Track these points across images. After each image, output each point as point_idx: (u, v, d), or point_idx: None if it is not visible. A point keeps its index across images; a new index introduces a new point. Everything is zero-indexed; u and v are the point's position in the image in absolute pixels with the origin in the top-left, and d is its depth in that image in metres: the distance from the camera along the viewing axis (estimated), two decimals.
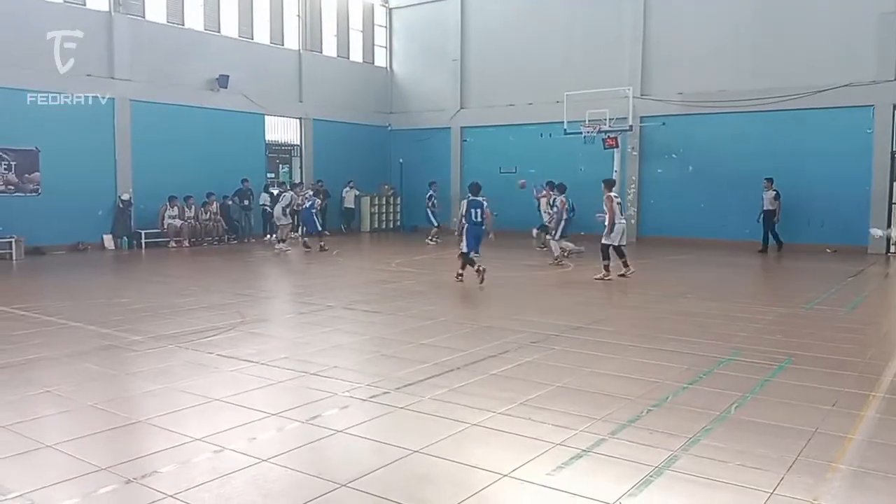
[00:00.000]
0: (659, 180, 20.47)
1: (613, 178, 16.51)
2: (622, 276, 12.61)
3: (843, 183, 17.54)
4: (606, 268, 12.52)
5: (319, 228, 18.00)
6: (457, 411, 5.12)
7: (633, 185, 20.91)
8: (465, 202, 12.23)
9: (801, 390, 5.73)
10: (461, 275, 12.01)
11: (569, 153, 20.78)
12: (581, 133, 19.77)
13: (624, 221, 13.04)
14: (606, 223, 12.49)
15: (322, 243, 17.73)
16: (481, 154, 23.85)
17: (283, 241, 17.95)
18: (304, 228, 18.71)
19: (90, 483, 3.89)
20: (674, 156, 20.23)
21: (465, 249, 11.80)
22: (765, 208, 17.77)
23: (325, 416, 5.10)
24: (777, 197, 17.63)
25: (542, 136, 21.32)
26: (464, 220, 11.90)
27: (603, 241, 12.63)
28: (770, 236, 17.76)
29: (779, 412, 5.14)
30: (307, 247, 17.89)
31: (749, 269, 15.07)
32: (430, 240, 19.49)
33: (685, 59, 19.83)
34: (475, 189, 12.22)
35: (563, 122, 19.96)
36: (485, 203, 12.16)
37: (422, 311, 9.37)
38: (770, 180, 17.79)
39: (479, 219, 11.89)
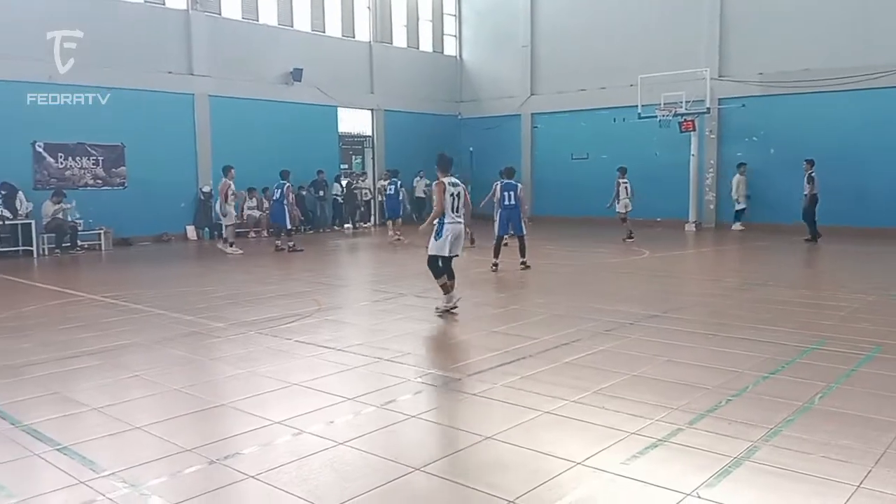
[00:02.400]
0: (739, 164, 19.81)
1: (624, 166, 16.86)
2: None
3: None
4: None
5: (288, 225, 15.48)
6: (529, 399, 5.12)
7: (711, 170, 20.33)
8: (497, 185, 12.20)
9: (891, 381, 5.48)
10: (496, 264, 11.85)
11: (643, 138, 20.37)
12: (656, 117, 19.32)
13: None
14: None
15: (278, 242, 15.81)
16: (552, 140, 23.62)
17: (232, 242, 15.58)
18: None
19: (176, 463, 4.07)
20: (754, 138, 19.55)
21: (497, 232, 11.91)
22: (805, 193, 16.55)
23: (400, 401, 5.18)
24: (810, 181, 16.35)
25: (615, 120, 20.92)
26: (495, 202, 12.11)
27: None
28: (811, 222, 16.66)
29: (866, 403, 4.93)
30: (294, 249, 15.39)
31: (833, 254, 14.46)
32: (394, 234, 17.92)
33: (765, 39, 19.09)
34: (509, 172, 12.20)
35: (637, 106, 19.55)
36: (519, 186, 12.09)
37: (492, 298, 9.38)
38: (811, 162, 16.47)
39: (513, 202, 11.85)
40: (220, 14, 19.44)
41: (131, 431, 4.61)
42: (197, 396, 5.37)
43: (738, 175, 18.94)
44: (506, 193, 11.91)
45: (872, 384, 5.40)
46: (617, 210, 16.49)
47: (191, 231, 18.72)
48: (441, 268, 8.21)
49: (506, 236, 12.37)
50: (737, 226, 18.83)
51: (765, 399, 5.07)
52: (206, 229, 18.82)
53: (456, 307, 8.20)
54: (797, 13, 18.56)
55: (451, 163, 8.52)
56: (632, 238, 16.13)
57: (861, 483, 3.67)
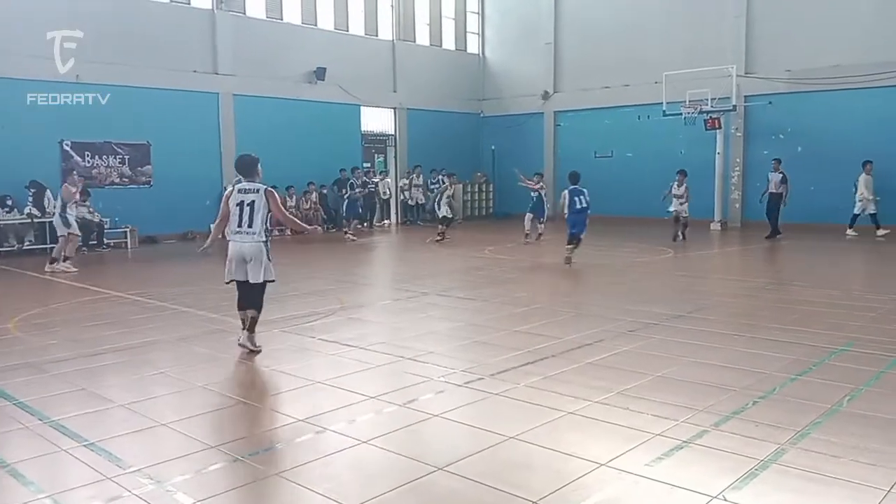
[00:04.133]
0: (765, 162, 19.51)
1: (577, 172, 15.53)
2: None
3: None
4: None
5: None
6: (552, 399, 5.09)
7: (737, 168, 20.09)
8: (566, 192, 12.59)
9: None
10: (569, 258, 12.27)
11: (668, 136, 20.18)
12: (681, 114, 19.13)
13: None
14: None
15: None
16: (575, 138, 23.48)
17: (65, 259, 12.71)
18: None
19: (201, 460, 4.10)
20: (781, 136, 19.27)
21: (570, 231, 12.35)
22: (770, 191, 16.92)
23: (422, 400, 5.17)
24: (784, 180, 16.75)
25: (639, 118, 20.74)
26: (565, 210, 12.41)
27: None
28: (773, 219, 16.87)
29: (895, 406, 4.84)
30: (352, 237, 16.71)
31: (863, 253, 14.23)
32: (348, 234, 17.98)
33: (792, 35, 18.81)
34: (575, 178, 12.57)
35: (661, 104, 19.34)
36: (586, 192, 12.49)
37: (515, 297, 9.34)
38: (778, 161, 16.99)
39: (583, 205, 12.30)
40: (244, 13, 19.56)
41: (157, 428, 4.66)
42: (221, 394, 5.42)
43: (863, 174, 16.49)
44: (575, 198, 12.43)
45: None
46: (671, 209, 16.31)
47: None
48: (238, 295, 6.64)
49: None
50: (881, 232, 16.29)
51: (792, 401, 5.00)
52: None
53: (256, 349, 6.50)
54: (825, 8, 18.27)
55: (250, 165, 6.71)
56: (683, 239, 16.03)
57: (893, 487, 3.61)
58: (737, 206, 20.18)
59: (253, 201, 6.39)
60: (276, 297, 9.50)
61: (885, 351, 6.31)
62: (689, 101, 18.96)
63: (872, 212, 16.48)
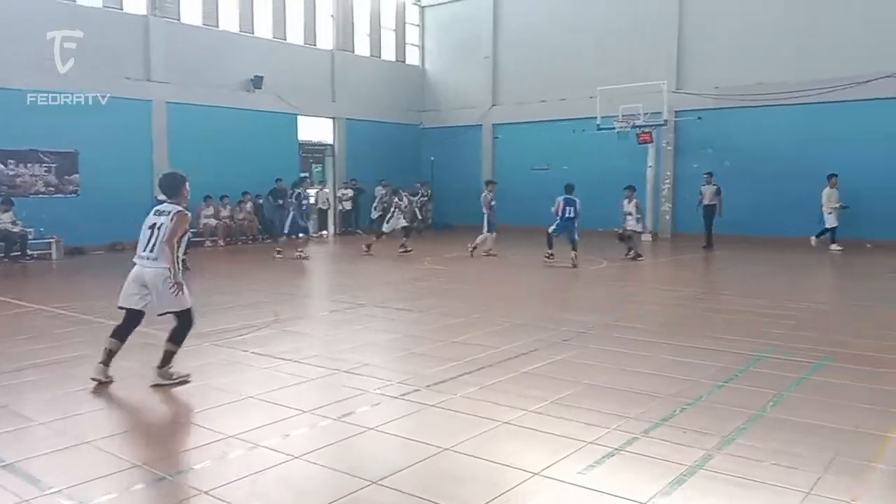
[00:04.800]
0: (694, 175, 20.13)
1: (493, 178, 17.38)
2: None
3: (884, 176, 17.10)
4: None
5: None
6: (487, 409, 5.12)
7: (667, 181, 20.66)
8: (560, 200, 13.89)
9: (840, 388, 5.61)
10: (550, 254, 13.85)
11: (602, 149, 20.60)
12: (614, 128, 19.58)
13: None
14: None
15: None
16: (513, 151, 23.76)
17: None
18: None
19: (126, 479, 3.97)
20: (710, 150, 19.91)
21: (551, 231, 13.96)
22: (705, 203, 17.61)
23: (357, 413, 5.13)
24: (718, 192, 17.45)
25: (574, 132, 21.15)
26: (557, 216, 13.79)
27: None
28: (710, 230, 17.52)
29: (816, 411, 5.03)
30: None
31: (785, 264, 14.78)
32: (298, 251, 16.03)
33: (721, 53, 19.52)
34: (569, 189, 14.00)
35: (596, 118, 19.79)
36: (577, 202, 13.84)
37: (453, 308, 9.37)
38: (710, 174, 17.73)
39: (572, 215, 13.77)
40: (179, 20, 19.17)
41: (80, 446, 4.49)
42: (149, 410, 5.26)
43: (827, 188, 16.62)
44: (567, 208, 13.74)
45: (822, 392, 5.52)
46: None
47: None
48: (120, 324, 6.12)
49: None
50: (835, 247, 16.42)
51: (718, 407, 5.15)
52: None
53: (105, 380, 5.81)
54: (751, 29, 19.03)
55: (174, 185, 6.05)
56: (640, 257, 15.45)
57: (812, 489, 3.75)
58: (667, 217, 20.75)
59: (162, 224, 5.78)
60: (207, 310, 9.30)
61: (805, 357, 6.57)
62: (623, 116, 19.46)
63: (834, 225, 16.58)
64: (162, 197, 6.17)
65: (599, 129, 19.81)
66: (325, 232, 22.68)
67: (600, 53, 21.48)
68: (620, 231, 15.76)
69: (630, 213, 15.56)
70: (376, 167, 23.57)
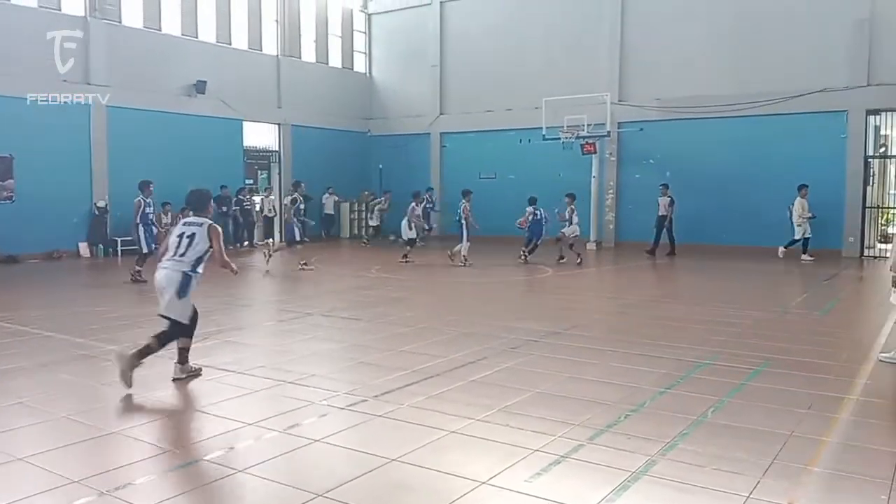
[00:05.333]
0: (636, 185, 20.59)
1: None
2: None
3: (818, 187, 17.75)
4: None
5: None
6: (435, 418, 5.11)
7: (611, 191, 21.04)
8: (530, 208, 16.25)
9: (778, 394, 5.78)
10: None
11: (548, 159, 20.86)
12: (559, 139, 19.86)
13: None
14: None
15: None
16: (461, 160, 23.87)
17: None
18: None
19: (63, 496, 3.83)
20: (651, 161, 20.37)
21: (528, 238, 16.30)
22: (659, 213, 18.31)
23: (303, 425, 5.06)
24: (671, 203, 18.18)
25: (520, 141, 21.38)
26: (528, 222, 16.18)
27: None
28: (664, 237, 18.28)
29: (755, 416, 5.18)
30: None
31: (724, 273, 15.19)
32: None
33: (662, 66, 20.00)
34: (533, 200, 16.39)
35: (541, 128, 20.04)
36: (542, 211, 16.26)
37: (401, 317, 9.35)
38: (665, 186, 18.43)
39: (540, 217, 16.26)
40: (120, 22, 18.72)
41: (13, 463, 4.32)
42: (87, 424, 5.09)
43: (798, 198, 16.72)
44: (536, 212, 16.26)
45: (761, 397, 5.68)
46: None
47: (84, 248, 17.82)
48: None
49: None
50: (806, 257, 16.66)
51: (661, 413, 5.25)
52: (101, 246, 17.98)
53: (194, 373, 6.28)
54: (691, 43, 19.56)
55: (202, 200, 6.51)
56: (578, 262, 16.00)
57: (751, 493, 3.85)
58: (611, 226, 21.12)
59: (194, 234, 6.15)
60: (148, 321, 9.05)
61: (745, 364, 6.75)
62: (567, 127, 19.75)
63: (808, 236, 16.74)
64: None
65: (545, 139, 20.07)
66: (270, 240, 22.36)
67: (545, 65, 21.80)
68: (559, 237, 16.18)
69: (570, 221, 16.17)
70: (323, 174, 23.39)
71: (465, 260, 15.58)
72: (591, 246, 20.11)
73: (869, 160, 18.04)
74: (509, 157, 22.34)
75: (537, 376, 6.30)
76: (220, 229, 6.28)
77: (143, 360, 5.89)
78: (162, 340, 6.01)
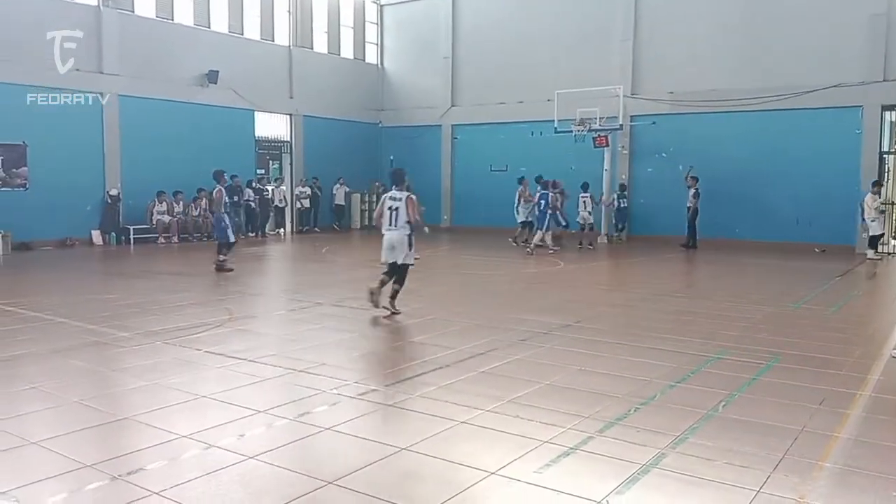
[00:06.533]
0: (649, 179, 20.51)
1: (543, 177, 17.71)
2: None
3: (833, 182, 17.66)
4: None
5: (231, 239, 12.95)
6: (445, 409, 5.12)
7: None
8: (537, 194, 16.61)
9: (789, 389, 5.75)
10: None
11: (559, 152, 20.82)
12: (571, 132, 19.79)
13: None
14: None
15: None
16: (472, 152, 23.85)
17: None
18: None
19: (76, 480, 3.86)
20: (664, 155, 20.28)
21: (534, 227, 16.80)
22: (687, 205, 18.44)
23: (314, 413, 5.09)
24: (696, 195, 18.24)
25: (532, 134, 21.34)
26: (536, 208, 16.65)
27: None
28: (692, 232, 18.45)
29: (766, 411, 5.16)
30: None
31: (736, 267, 15.14)
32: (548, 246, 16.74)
33: (676, 59, 19.88)
34: (544, 183, 16.75)
35: (553, 121, 19.97)
36: (549, 194, 16.34)
37: (411, 308, 9.35)
38: (695, 178, 18.46)
39: (544, 207, 16.37)
40: (133, 12, 18.77)
41: (27, 447, 4.35)
42: (99, 409, 5.13)
43: (869, 193, 16.06)
44: (542, 200, 16.49)
45: (772, 392, 5.65)
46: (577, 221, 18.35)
47: (96, 236, 17.94)
48: (387, 271, 9.01)
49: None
50: (871, 253, 16.12)
51: (672, 407, 5.24)
52: (113, 234, 18.08)
53: (397, 312, 8.70)
54: (705, 36, 19.42)
55: (400, 177, 8.98)
56: (591, 246, 17.88)
57: (761, 488, 3.83)
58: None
59: (398, 207, 8.60)
60: (159, 308, 9.14)
61: (755, 359, 6.72)
62: (580, 119, 19.67)
63: (879, 233, 16.22)
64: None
65: (557, 132, 20.03)
66: (281, 230, 22.46)
67: (558, 57, 21.71)
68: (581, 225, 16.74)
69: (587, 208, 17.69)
70: (334, 165, 23.45)
71: (547, 246, 16.44)
72: (602, 239, 20.06)
73: (884, 156, 17.86)
74: (521, 149, 22.29)
75: (547, 368, 6.30)
76: (414, 198, 8.71)
77: (382, 289, 8.70)
78: (400, 280, 8.77)
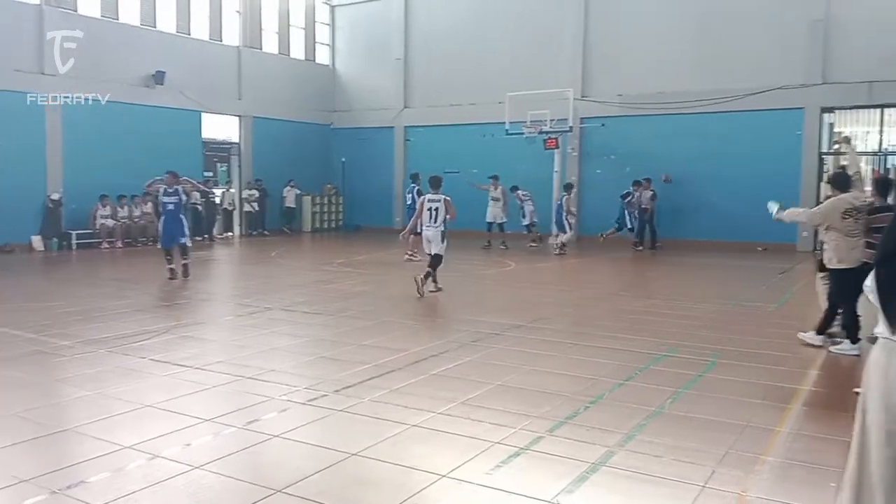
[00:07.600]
0: (598, 181, 20.77)
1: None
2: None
3: (774, 183, 18.07)
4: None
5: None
6: (396, 412, 5.10)
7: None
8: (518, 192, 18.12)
9: (733, 385, 5.89)
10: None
11: (511, 154, 20.91)
12: (523, 134, 19.93)
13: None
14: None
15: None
16: (425, 154, 23.79)
17: None
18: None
19: (14, 495, 3.73)
20: (612, 157, 20.56)
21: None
22: (642, 206, 18.76)
23: (263, 420, 5.01)
24: (654, 197, 18.70)
25: (484, 136, 21.42)
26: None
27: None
28: (647, 232, 18.89)
29: (711, 407, 5.27)
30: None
31: (682, 267, 15.45)
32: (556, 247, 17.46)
33: (625, 62, 20.18)
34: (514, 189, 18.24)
35: (505, 123, 20.08)
36: (565, 197, 17.47)
37: (363, 311, 9.30)
38: (648, 180, 18.86)
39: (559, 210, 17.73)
40: (76, 11, 18.25)
41: None
42: (38, 422, 4.97)
43: None
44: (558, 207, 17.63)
45: (717, 389, 5.78)
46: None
47: (37, 241, 17.37)
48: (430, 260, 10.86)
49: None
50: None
51: (620, 405, 5.32)
52: (55, 239, 17.55)
53: (439, 289, 10.77)
54: (653, 40, 19.75)
55: (438, 182, 11.08)
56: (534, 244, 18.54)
57: (706, 483, 3.92)
58: (572, 221, 21.24)
59: (437, 208, 10.63)
60: (102, 315, 8.90)
61: (701, 356, 6.87)
62: (530, 122, 19.80)
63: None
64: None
65: (508, 134, 20.12)
66: (230, 234, 22.11)
67: (509, 59, 21.83)
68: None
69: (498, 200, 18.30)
70: (285, 167, 23.18)
71: (563, 248, 17.05)
72: (553, 240, 20.22)
73: (823, 156, 18.44)
74: (473, 151, 22.33)
75: (499, 369, 6.32)
76: (449, 199, 10.74)
77: (428, 279, 10.39)
78: (434, 263, 10.62)
